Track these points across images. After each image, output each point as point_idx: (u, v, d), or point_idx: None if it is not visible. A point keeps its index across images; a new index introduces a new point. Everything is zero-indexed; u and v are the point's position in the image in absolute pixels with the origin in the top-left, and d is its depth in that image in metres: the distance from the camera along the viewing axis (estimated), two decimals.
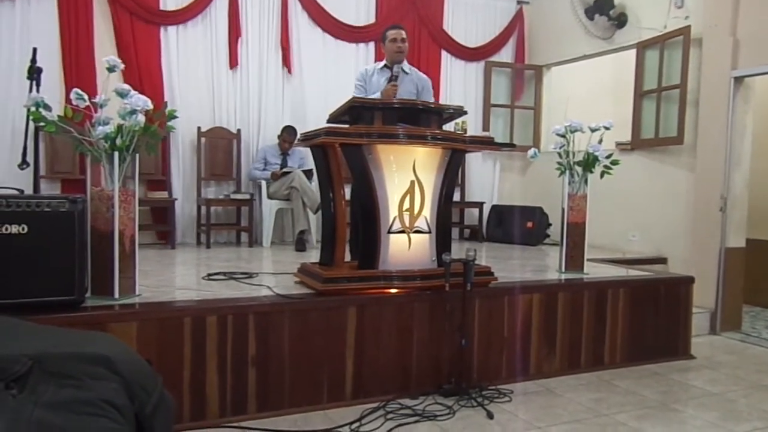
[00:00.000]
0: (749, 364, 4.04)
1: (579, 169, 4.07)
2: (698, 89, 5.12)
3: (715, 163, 4.90)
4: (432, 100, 4.36)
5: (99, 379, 1.40)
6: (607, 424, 2.93)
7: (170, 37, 5.64)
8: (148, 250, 5.16)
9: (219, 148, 5.88)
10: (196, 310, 2.84)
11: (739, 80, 4.82)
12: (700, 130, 5.09)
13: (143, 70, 5.43)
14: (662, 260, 5.50)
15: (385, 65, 4.29)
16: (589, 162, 4.03)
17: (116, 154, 2.78)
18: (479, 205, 6.78)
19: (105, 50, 5.14)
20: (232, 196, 5.72)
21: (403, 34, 4.22)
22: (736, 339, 4.70)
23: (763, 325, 5.22)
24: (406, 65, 4.22)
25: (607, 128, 4.05)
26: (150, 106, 2.84)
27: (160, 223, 5.63)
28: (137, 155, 2.91)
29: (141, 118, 2.83)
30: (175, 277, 4.12)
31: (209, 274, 3.78)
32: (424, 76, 4.40)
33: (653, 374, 3.76)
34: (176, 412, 2.63)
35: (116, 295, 2.81)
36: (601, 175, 4.09)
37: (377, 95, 4.04)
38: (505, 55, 7.18)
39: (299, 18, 6.14)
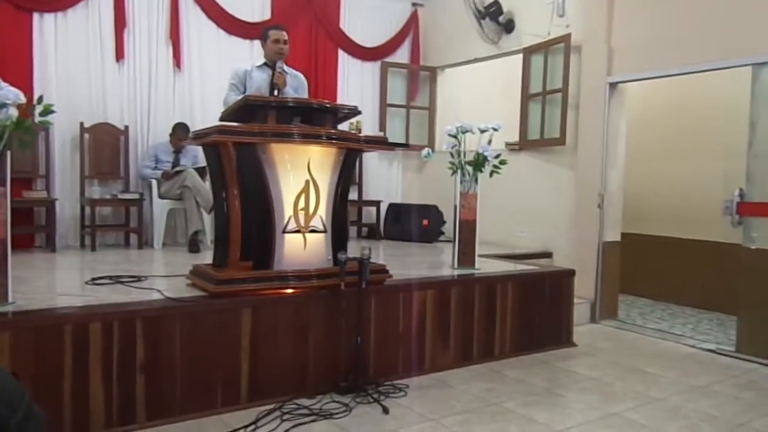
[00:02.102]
0: (624, 349, 4.37)
1: (470, 168, 4.22)
2: (578, 93, 5.45)
3: (594, 162, 5.25)
4: (307, 96, 4.37)
5: None
6: (496, 412, 3.07)
7: (46, 25, 5.26)
8: (26, 254, 4.81)
9: (105, 145, 5.57)
10: (78, 317, 2.69)
11: (613, 86, 5.19)
12: (580, 132, 5.43)
13: (11, 61, 5.01)
14: (548, 254, 5.82)
15: (264, 63, 4.26)
16: (479, 162, 4.19)
17: None
18: (376, 203, 6.87)
19: None
20: (120, 196, 5.44)
21: (285, 35, 4.22)
22: (613, 326, 5.06)
23: (637, 313, 5.66)
24: (284, 65, 4.20)
25: (495, 129, 4.22)
26: (22, 99, 2.66)
27: (38, 225, 5.26)
28: (9, 152, 2.71)
29: (12, 111, 2.63)
30: (55, 282, 3.87)
31: (93, 279, 3.58)
32: (299, 73, 4.42)
33: (540, 362, 3.98)
34: (55, 426, 2.49)
35: None
36: (491, 174, 4.26)
37: (262, 86, 4.02)
38: (401, 55, 7.31)
39: (190, 11, 5.93)
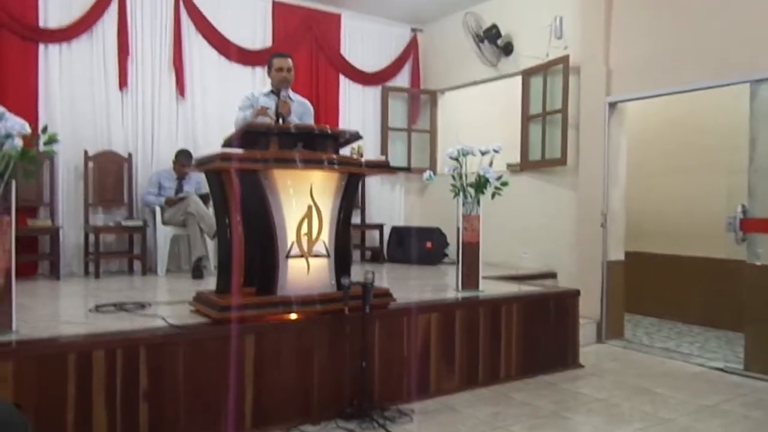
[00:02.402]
0: (631, 369, 4.33)
1: (472, 190, 4.24)
2: (578, 114, 5.49)
3: (595, 182, 5.26)
4: (312, 122, 4.42)
5: None
6: None
7: (51, 56, 5.33)
8: (31, 282, 4.82)
9: (109, 173, 5.60)
10: (82, 345, 2.69)
11: (613, 105, 5.22)
12: (580, 151, 5.45)
13: (16, 90, 5.08)
14: (552, 275, 5.80)
15: (271, 91, 4.31)
16: (480, 184, 4.21)
17: None
18: (379, 227, 6.88)
19: None
20: (124, 223, 5.46)
21: (290, 63, 4.28)
22: (619, 346, 5.02)
23: (644, 332, 5.62)
24: (290, 92, 4.24)
25: (496, 151, 4.24)
26: (27, 129, 2.68)
27: (42, 252, 5.28)
28: (14, 182, 2.73)
29: (18, 142, 2.66)
30: (59, 310, 3.88)
31: (97, 306, 3.58)
32: (305, 100, 4.48)
33: (547, 385, 3.94)
34: None
35: None
36: (492, 196, 4.27)
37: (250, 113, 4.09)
38: (402, 79, 7.38)
39: (192, 39, 6.01)
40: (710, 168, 5.76)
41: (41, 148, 2.84)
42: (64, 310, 3.91)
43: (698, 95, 4.89)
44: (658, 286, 6.17)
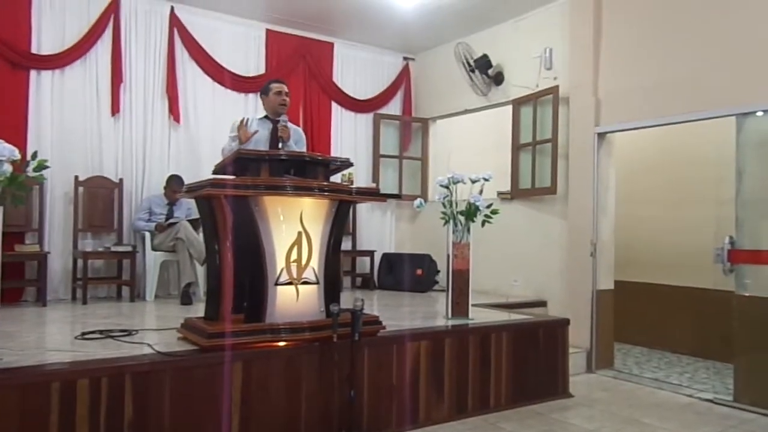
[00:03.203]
0: (621, 399, 4.31)
1: (462, 218, 4.26)
2: (567, 143, 5.54)
3: (585, 211, 5.29)
4: (305, 149, 4.45)
5: None
6: None
7: (43, 82, 5.36)
8: (15, 308, 4.76)
9: (99, 198, 5.59)
10: (66, 374, 2.65)
11: (601, 136, 5.28)
12: (570, 180, 5.49)
13: (5, 117, 5.07)
14: (542, 303, 5.80)
15: (265, 116, 4.33)
16: (470, 212, 4.23)
17: None
18: (370, 253, 6.87)
19: None
20: (113, 248, 5.43)
21: (287, 88, 4.31)
22: (609, 376, 5.00)
23: (633, 362, 5.60)
24: (284, 118, 4.27)
25: (486, 180, 4.28)
26: (17, 155, 2.68)
27: (29, 278, 5.23)
28: (1, 207, 2.72)
29: (7, 168, 2.66)
30: (44, 337, 3.82)
31: (83, 333, 3.53)
32: (298, 127, 4.50)
33: (536, 414, 3.91)
34: None
35: None
36: (483, 224, 4.29)
37: (261, 139, 4.08)
38: (393, 107, 7.45)
39: (186, 66, 6.06)
40: (699, 199, 5.82)
41: (30, 173, 2.84)
42: (49, 337, 3.86)
43: (687, 127, 4.95)
44: (647, 315, 6.18)
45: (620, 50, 5.17)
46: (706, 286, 5.60)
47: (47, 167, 2.87)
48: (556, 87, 5.68)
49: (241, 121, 4.17)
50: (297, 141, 4.35)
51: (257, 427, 3.05)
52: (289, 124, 4.33)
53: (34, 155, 2.86)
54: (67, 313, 4.71)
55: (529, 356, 4.19)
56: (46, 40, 5.38)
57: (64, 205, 5.49)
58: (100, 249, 5.51)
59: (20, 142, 4.90)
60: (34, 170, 2.84)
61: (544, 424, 3.70)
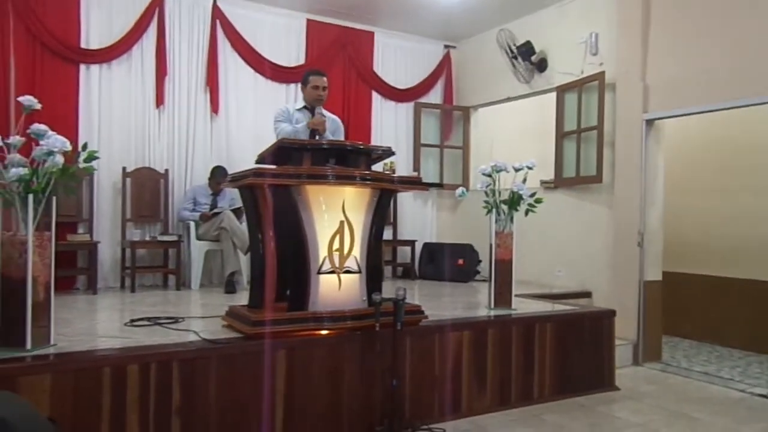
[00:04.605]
0: (669, 393, 4.20)
1: (505, 207, 4.20)
2: (614, 131, 5.40)
3: (632, 200, 5.16)
4: (342, 139, 4.42)
5: None
6: None
7: (92, 76, 5.49)
8: (69, 296, 4.92)
9: (146, 189, 5.72)
10: (116, 359, 2.73)
11: (650, 123, 5.12)
12: (616, 169, 5.35)
13: (57, 110, 5.17)
14: (587, 294, 5.69)
15: (304, 106, 4.34)
16: (514, 200, 4.16)
17: (30, 197, 2.66)
18: (411, 243, 6.85)
19: (18, 89, 4.94)
20: (159, 238, 5.56)
21: (325, 81, 4.29)
22: (657, 369, 4.88)
23: (682, 355, 5.46)
24: (322, 109, 4.26)
25: (530, 168, 4.20)
26: (68, 147, 2.75)
27: (80, 267, 5.39)
28: (54, 198, 2.80)
29: (59, 159, 2.73)
30: (96, 324, 3.94)
31: (132, 320, 3.63)
32: (336, 117, 4.48)
33: (580, 407, 3.85)
34: None
35: (28, 346, 2.66)
36: (526, 213, 4.22)
37: (302, 125, 4.09)
38: (434, 96, 7.39)
39: (228, 57, 6.12)
40: (753, 188, 5.60)
41: (81, 164, 2.91)
42: (100, 324, 3.97)
43: (738, 113, 4.77)
44: (697, 307, 6.00)
45: (670, 34, 5.00)
46: (762, 278, 5.40)
47: (97, 158, 2.93)
48: (602, 73, 5.52)
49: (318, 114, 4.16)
50: (334, 131, 4.34)
51: (300, 415, 3.08)
52: (326, 113, 4.32)
53: (84, 146, 2.93)
54: (117, 301, 4.85)
55: (574, 348, 4.12)
56: (94, 35, 5.51)
57: (113, 196, 5.63)
58: (147, 238, 5.65)
59: (71, 135, 5.02)
60: (85, 161, 2.91)
61: (590, 417, 3.64)
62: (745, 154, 5.70)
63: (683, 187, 5.97)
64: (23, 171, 2.65)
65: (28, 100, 2.80)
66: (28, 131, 2.74)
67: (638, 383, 4.45)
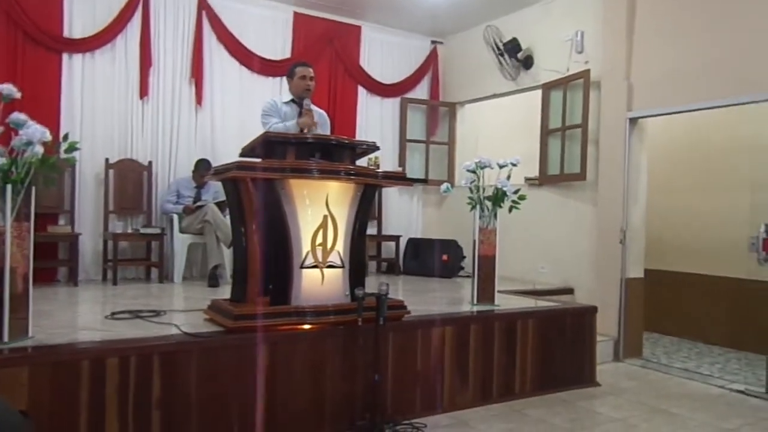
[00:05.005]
0: (649, 389, 4.24)
1: (489, 203, 4.21)
2: (598, 129, 5.43)
3: (615, 198, 5.20)
4: (329, 133, 4.40)
5: None
6: None
7: (75, 65, 5.42)
8: (48, 288, 4.87)
9: (128, 181, 5.66)
10: (96, 352, 2.70)
11: (633, 121, 5.16)
12: (600, 167, 5.39)
13: (39, 99, 5.11)
14: (569, 291, 5.73)
15: (291, 100, 4.30)
16: (498, 197, 4.17)
17: (9, 187, 2.62)
18: (396, 238, 6.85)
19: None
20: (142, 230, 5.51)
21: (312, 72, 4.25)
22: (637, 365, 4.92)
23: (662, 351, 5.51)
24: (308, 101, 4.23)
25: (514, 165, 4.21)
26: (48, 137, 2.71)
27: (61, 259, 5.33)
28: (33, 188, 2.76)
29: (38, 149, 2.69)
30: (76, 317, 3.90)
31: (113, 313, 3.60)
32: (322, 111, 4.45)
33: (562, 402, 3.88)
34: None
35: (5, 339, 2.63)
36: (510, 210, 4.23)
37: (292, 123, 4.05)
38: (420, 91, 7.38)
39: (213, 49, 6.07)
40: (733, 186, 5.67)
41: (62, 155, 2.87)
42: (80, 316, 3.94)
43: (720, 113, 4.82)
44: (678, 304, 6.07)
45: (654, 33, 5.03)
46: (740, 276, 5.47)
47: (78, 149, 2.89)
48: (587, 71, 5.56)
49: (306, 109, 4.12)
50: (321, 125, 4.31)
51: (282, 409, 3.07)
52: (313, 107, 4.29)
53: (66, 137, 2.89)
54: (98, 293, 4.81)
55: (556, 343, 4.15)
56: (77, 24, 5.43)
57: (95, 188, 5.57)
58: (130, 231, 5.60)
59: (52, 125, 4.94)
60: (65, 152, 2.87)
61: (570, 412, 3.67)
62: (726, 154, 5.76)
63: (666, 186, 6.02)
64: (2, 161, 2.62)
65: (7, 89, 2.74)
66: (7, 120, 2.70)
67: (619, 379, 4.50)
